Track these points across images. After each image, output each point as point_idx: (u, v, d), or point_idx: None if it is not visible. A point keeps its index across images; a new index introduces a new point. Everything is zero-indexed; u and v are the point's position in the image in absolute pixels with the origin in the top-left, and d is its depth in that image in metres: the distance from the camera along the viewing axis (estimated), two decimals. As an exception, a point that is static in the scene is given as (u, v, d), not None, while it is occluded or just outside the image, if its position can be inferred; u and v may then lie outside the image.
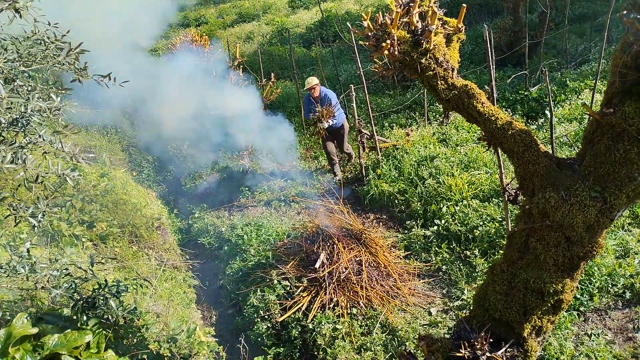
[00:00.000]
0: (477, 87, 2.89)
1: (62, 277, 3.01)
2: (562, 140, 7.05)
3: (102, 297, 3.20)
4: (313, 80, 7.73)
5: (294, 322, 4.98)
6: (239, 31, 19.15)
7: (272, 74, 9.32)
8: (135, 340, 3.52)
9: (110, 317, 3.15)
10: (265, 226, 6.80)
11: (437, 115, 9.21)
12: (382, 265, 5.56)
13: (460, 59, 3.20)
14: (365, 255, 5.58)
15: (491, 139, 2.81)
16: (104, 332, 3.19)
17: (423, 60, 2.84)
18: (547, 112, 8.16)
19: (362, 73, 7.37)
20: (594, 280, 4.69)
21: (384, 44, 2.76)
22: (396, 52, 2.83)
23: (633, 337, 4.19)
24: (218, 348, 4.22)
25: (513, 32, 11.01)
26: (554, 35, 11.44)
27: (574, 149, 6.77)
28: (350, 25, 7.27)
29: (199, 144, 9.28)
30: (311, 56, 14.47)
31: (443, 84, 2.89)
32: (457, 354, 2.67)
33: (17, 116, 2.93)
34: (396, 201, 6.98)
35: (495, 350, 2.68)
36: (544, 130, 7.61)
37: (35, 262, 2.92)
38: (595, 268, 4.75)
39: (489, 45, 4.95)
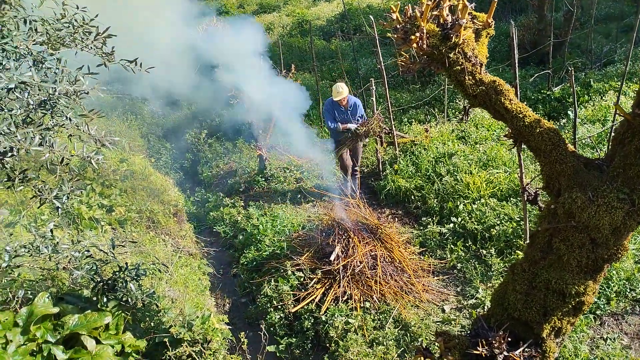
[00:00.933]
0: (505, 84, 2.85)
1: (84, 259, 3.06)
2: (584, 142, 6.94)
3: (121, 280, 3.24)
4: (344, 90, 6.81)
5: (306, 313, 5.00)
6: (260, 22, 19.14)
7: (292, 66, 9.31)
8: (152, 323, 3.56)
9: (129, 300, 3.19)
10: (281, 217, 6.82)
11: (457, 112, 9.13)
12: (397, 261, 5.55)
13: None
14: (381, 250, 5.57)
15: (518, 136, 2.78)
16: (123, 314, 3.24)
17: (451, 55, 2.81)
18: (569, 112, 8.05)
19: (382, 67, 7.32)
20: (612, 285, 4.63)
21: (412, 37, 2.73)
22: (424, 46, 2.79)
23: (650, 343, 4.14)
24: (232, 335, 4.26)
25: (537, 30, 10.84)
26: (579, 35, 11.24)
27: (597, 151, 6.67)
28: (374, 19, 7.25)
29: (217, 132, 9.34)
30: (331, 49, 14.42)
31: (471, 79, 2.85)
32: (474, 352, 2.66)
33: (45, 98, 2.97)
34: (412, 197, 6.95)
35: (513, 349, 2.66)
36: (566, 131, 7.50)
37: (57, 242, 2.97)
38: (614, 272, 4.69)
39: (514, 43, 4.88)
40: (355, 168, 7.47)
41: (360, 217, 6.17)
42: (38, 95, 2.94)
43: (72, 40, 3.16)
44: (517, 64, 4.89)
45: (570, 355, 4.03)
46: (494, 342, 2.66)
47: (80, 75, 3.15)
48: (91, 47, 3.17)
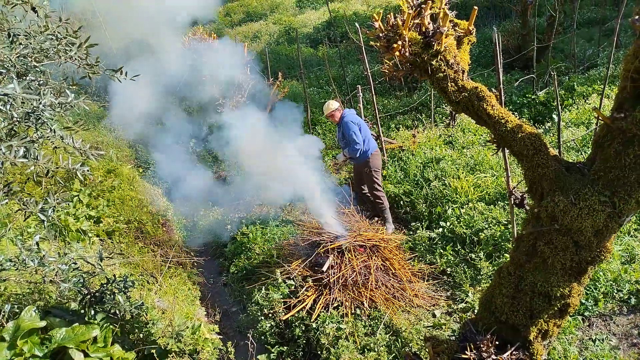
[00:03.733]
0: (487, 90, 2.89)
1: (71, 271, 3.04)
2: (569, 144, 7.03)
3: (109, 292, 3.22)
4: (331, 105, 6.44)
5: (297, 320, 4.99)
6: (247, 30, 19.19)
7: (280, 73, 9.35)
8: (141, 335, 3.54)
9: (117, 312, 3.17)
10: (271, 225, 6.81)
11: (444, 118, 9.21)
12: (392, 270, 5.55)
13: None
14: (375, 260, 5.56)
15: (500, 141, 2.82)
16: (111, 326, 3.21)
17: (434, 62, 2.85)
18: (554, 116, 8.15)
19: (369, 74, 7.38)
20: (599, 286, 4.68)
21: (395, 45, 2.77)
22: (407, 53, 2.83)
23: (638, 343, 4.18)
24: (223, 345, 4.24)
25: (521, 35, 10.99)
26: (562, 39, 11.41)
27: (581, 154, 6.76)
28: (360, 27, 7.30)
29: (205, 141, 9.32)
30: (318, 56, 14.49)
31: (453, 86, 2.89)
32: (463, 356, 2.68)
33: (29, 111, 2.95)
34: (401, 202, 6.99)
35: (501, 353, 2.68)
36: (551, 135, 7.59)
37: (44, 255, 2.94)
38: (601, 273, 4.74)
39: (497, 48, 4.95)
40: (364, 192, 6.89)
41: (356, 227, 6.15)
42: (22, 107, 2.93)
43: (55, 52, 3.15)
44: (501, 69, 4.95)
45: (560, 357, 4.06)
46: (481, 346, 2.68)
47: (65, 87, 3.15)
48: (75, 59, 3.17)
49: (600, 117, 2.48)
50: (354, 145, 6.32)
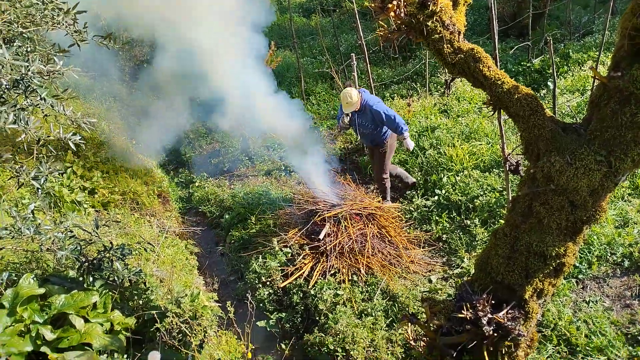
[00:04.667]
0: (483, 51, 2.85)
1: (67, 240, 3.03)
2: (563, 111, 7.02)
3: (107, 260, 3.23)
4: (352, 96, 5.68)
5: (295, 288, 5.05)
6: None
7: (272, 43, 9.20)
8: (141, 302, 3.56)
9: (116, 279, 3.19)
10: (266, 195, 6.81)
11: (439, 86, 9.13)
12: (388, 237, 5.59)
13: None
14: (371, 228, 5.59)
15: (497, 103, 2.80)
16: (110, 293, 3.23)
17: (429, 23, 2.80)
18: (549, 83, 8.11)
19: (363, 43, 7.27)
20: (593, 249, 4.74)
21: (389, 5, 2.72)
22: (402, 14, 2.78)
23: (630, 305, 4.26)
24: (221, 313, 4.28)
25: (516, 2, 10.82)
26: (558, 7, 11.26)
27: (576, 120, 6.74)
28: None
29: (198, 111, 9.22)
30: (311, 25, 14.25)
31: (449, 48, 2.85)
32: (459, 315, 2.72)
33: (18, 78, 2.90)
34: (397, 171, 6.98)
35: (497, 312, 2.72)
36: (546, 102, 7.57)
37: (39, 224, 2.93)
38: (595, 237, 4.80)
39: (493, 15, 4.87)
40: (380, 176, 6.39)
41: (351, 196, 6.16)
42: (10, 74, 2.87)
43: (42, 18, 3.07)
44: (496, 37, 4.89)
45: (554, 319, 4.13)
46: (478, 305, 2.72)
47: (53, 53, 3.08)
48: (63, 24, 3.09)
49: (597, 77, 2.46)
50: (400, 124, 5.76)
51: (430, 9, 2.79)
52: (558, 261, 2.68)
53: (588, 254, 4.72)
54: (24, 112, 2.82)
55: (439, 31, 2.84)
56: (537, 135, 2.62)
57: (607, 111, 2.43)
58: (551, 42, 5.11)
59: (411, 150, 6.15)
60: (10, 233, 2.86)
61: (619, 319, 4.13)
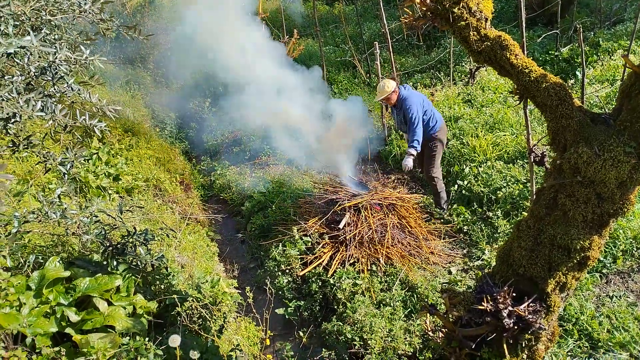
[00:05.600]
0: (511, 39, 2.79)
1: (92, 224, 3.09)
2: (592, 102, 6.84)
3: (131, 244, 3.29)
4: (387, 86, 5.51)
5: (314, 276, 5.07)
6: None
7: (295, 31, 9.17)
8: (162, 286, 3.63)
9: (139, 264, 3.25)
10: (288, 183, 6.84)
11: (463, 76, 8.99)
12: (408, 228, 5.56)
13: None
14: (391, 218, 5.57)
15: (524, 92, 2.73)
16: (133, 277, 3.29)
17: (455, 10, 2.74)
18: (578, 72, 7.90)
19: (387, 31, 7.19)
20: (619, 243, 4.63)
21: (415, -8, 2.67)
22: (428, 1, 2.73)
23: (656, 300, 4.17)
24: (241, 299, 4.33)
25: (545, -11, 10.56)
26: (589, -7, 10.94)
27: (605, 111, 6.57)
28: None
29: (221, 100, 9.28)
30: (334, 13, 14.15)
31: (475, 35, 2.79)
32: (479, 307, 2.69)
33: (46, 65, 2.95)
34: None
35: (518, 304, 2.68)
36: (574, 92, 7.38)
37: (65, 208, 3.00)
38: (621, 231, 4.69)
39: (521, 2, 4.76)
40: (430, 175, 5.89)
41: (372, 186, 6.14)
42: (38, 62, 2.92)
43: (69, 6, 3.12)
44: (524, 24, 4.78)
45: (576, 313, 4.07)
46: (498, 297, 2.68)
47: (80, 41, 3.13)
48: (89, 12, 3.13)
49: (628, 65, 2.38)
50: (414, 136, 5.44)
51: (457, -5, 2.74)
52: (582, 255, 2.62)
53: (613, 248, 4.62)
54: (51, 100, 2.87)
55: (465, 18, 2.78)
56: (564, 126, 2.56)
57: (638, 101, 2.36)
58: (580, 30, 4.96)
59: (404, 170, 5.76)
60: (37, 217, 2.93)
61: (644, 315, 4.04)
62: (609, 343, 3.79)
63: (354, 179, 6.30)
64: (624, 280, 4.46)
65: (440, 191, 5.90)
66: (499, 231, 5.28)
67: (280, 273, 5.22)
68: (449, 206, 5.96)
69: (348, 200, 5.70)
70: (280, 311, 4.88)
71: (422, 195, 6.36)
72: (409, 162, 5.52)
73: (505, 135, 6.58)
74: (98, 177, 5.24)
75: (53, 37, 3.13)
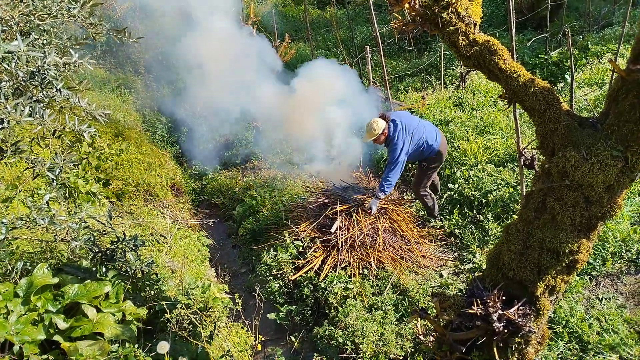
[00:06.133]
0: (499, 44, 2.81)
1: (81, 230, 3.07)
2: (581, 105, 6.90)
3: (120, 250, 3.27)
4: (375, 127, 5.10)
5: (306, 281, 5.06)
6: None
7: (287, 35, 9.19)
8: (152, 292, 3.60)
9: (128, 270, 3.22)
10: (279, 188, 6.83)
11: (453, 79, 9.04)
12: (400, 232, 5.57)
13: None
14: (383, 222, 5.57)
15: (512, 96, 2.75)
16: (123, 283, 3.27)
17: (444, 15, 2.76)
18: (567, 76, 7.97)
19: (378, 35, 7.22)
20: (608, 246, 4.67)
21: (404, -3, 2.68)
22: (417, 6, 2.75)
23: (645, 302, 4.20)
24: (232, 305, 4.32)
25: (535, -7, 10.66)
26: (577, -2, 11.06)
27: (594, 114, 6.63)
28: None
29: (212, 105, 9.27)
30: (326, 17, 14.19)
31: (464, 40, 2.81)
32: (470, 311, 2.70)
33: (34, 70, 2.93)
34: (410, 165, 6.95)
35: (508, 308, 2.69)
36: (564, 95, 7.45)
37: (54, 214, 2.97)
38: (610, 234, 4.72)
39: (510, 6, 4.80)
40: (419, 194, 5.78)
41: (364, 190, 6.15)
42: (27, 66, 2.90)
43: (58, 10, 3.10)
44: (514, 28, 4.81)
45: (566, 315, 4.09)
46: (488, 301, 2.69)
47: (69, 45, 3.11)
48: (78, 17, 3.12)
49: (615, 69, 2.40)
50: (386, 180, 5.21)
51: (446, 0, 2.75)
52: (571, 258, 2.64)
53: (602, 251, 4.66)
54: (39, 105, 2.85)
55: (454, 23, 2.80)
56: (552, 130, 2.58)
57: (625, 105, 2.38)
58: (569, 34, 5.01)
59: (368, 212, 5.50)
60: (25, 223, 2.90)
61: (633, 317, 4.06)
62: (599, 345, 3.81)
63: (346, 183, 6.31)
64: (614, 282, 4.49)
65: (431, 205, 5.83)
66: (489, 234, 5.30)
67: (271, 277, 5.20)
68: (440, 211, 5.98)
69: (339, 204, 5.70)
70: (271, 316, 4.86)
71: (413, 199, 6.37)
72: (373, 207, 5.38)
73: (495, 138, 6.62)
74: (88, 182, 5.20)
75: (42, 42, 3.11)
